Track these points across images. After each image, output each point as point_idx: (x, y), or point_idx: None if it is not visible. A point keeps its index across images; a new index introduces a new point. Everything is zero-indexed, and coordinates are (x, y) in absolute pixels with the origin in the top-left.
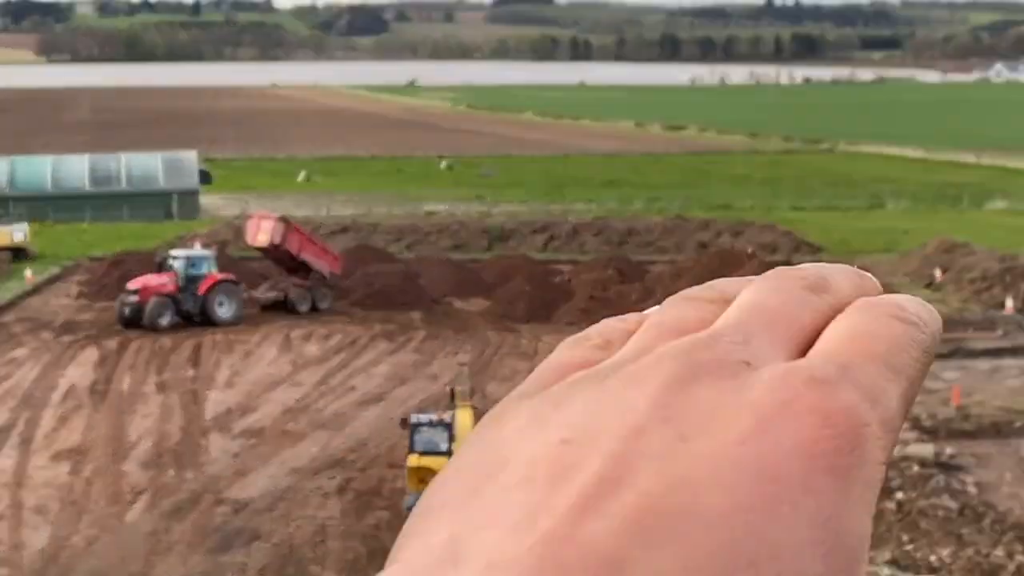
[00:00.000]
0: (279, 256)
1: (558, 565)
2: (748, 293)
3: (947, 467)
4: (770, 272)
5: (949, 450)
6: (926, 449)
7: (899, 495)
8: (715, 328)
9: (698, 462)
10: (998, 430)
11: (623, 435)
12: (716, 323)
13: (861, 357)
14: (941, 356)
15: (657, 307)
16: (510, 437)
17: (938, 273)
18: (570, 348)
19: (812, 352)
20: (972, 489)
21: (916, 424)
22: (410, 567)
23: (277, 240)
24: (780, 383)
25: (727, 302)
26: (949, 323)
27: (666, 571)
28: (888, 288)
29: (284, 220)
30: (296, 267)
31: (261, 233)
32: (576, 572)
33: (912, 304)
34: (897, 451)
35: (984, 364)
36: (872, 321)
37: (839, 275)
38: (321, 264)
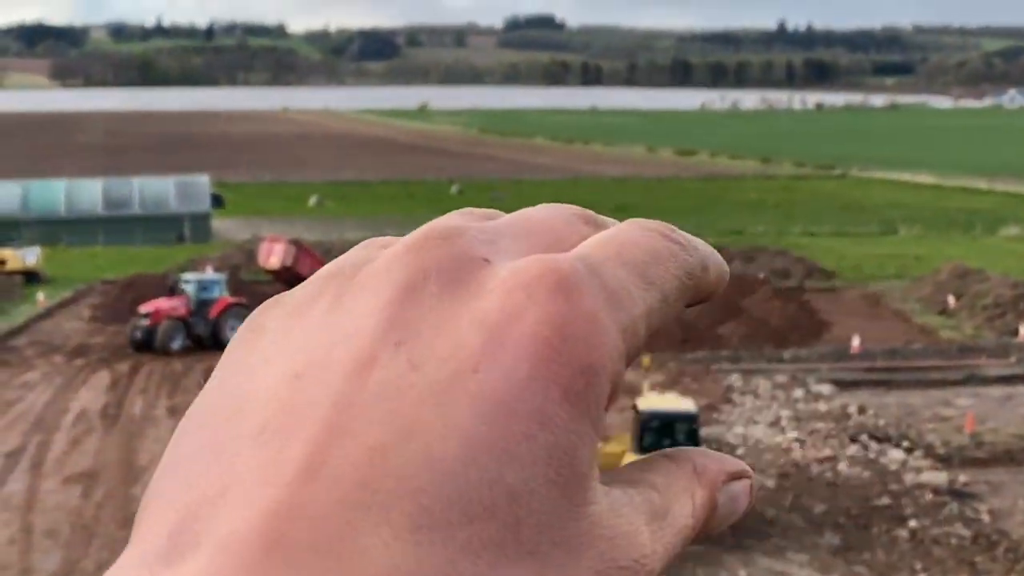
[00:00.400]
0: (290, 279)
1: (286, 550)
2: (518, 212)
3: (960, 495)
4: (548, 205)
5: (963, 478)
6: (939, 477)
7: (912, 523)
8: (465, 225)
9: (429, 400)
10: (1012, 457)
11: (351, 368)
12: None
13: (613, 260)
14: (954, 383)
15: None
16: (255, 365)
17: (951, 299)
18: (361, 248)
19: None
20: (986, 517)
21: (929, 452)
22: (140, 554)
23: (289, 262)
24: (516, 284)
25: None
26: (962, 350)
27: (397, 538)
28: (900, 314)
29: (296, 243)
30: None
31: (273, 256)
32: (304, 556)
33: (684, 233)
34: (911, 478)
35: (997, 391)
36: (635, 231)
37: (625, 223)
38: None
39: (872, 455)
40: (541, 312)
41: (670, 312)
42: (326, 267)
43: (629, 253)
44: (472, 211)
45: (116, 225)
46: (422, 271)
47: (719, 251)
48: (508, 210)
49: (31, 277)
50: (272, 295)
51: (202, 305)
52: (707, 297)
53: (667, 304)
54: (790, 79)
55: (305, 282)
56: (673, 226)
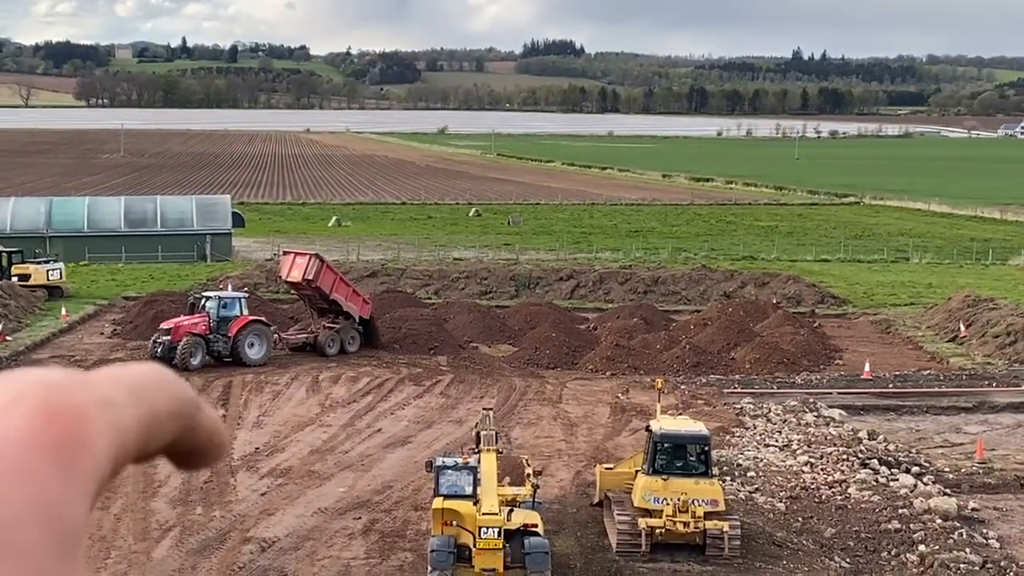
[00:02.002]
0: (311, 294)
1: None
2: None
3: (970, 521)
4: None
5: (972, 504)
6: (949, 503)
7: (921, 548)
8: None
9: None
10: (1021, 484)
11: None
12: None
13: (105, 380)
14: (965, 410)
15: None
16: None
17: (962, 327)
18: None
19: None
20: (995, 543)
21: (939, 477)
22: None
23: (310, 276)
24: (16, 382)
25: None
26: (973, 377)
27: None
28: (912, 341)
29: (319, 257)
30: (326, 308)
31: (295, 269)
32: None
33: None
34: (920, 504)
35: (1008, 419)
36: (132, 367)
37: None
38: (351, 306)
39: (882, 480)
40: (37, 399)
41: (162, 430)
42: None
43: (118, 378)
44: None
45: (138, 242)
46: None
47: (732, 275)
48: (527, 232)
49: (54, 292)
50: (291, 314)
51: (222, 323)
52: (200, 440)
53: (157, 420)
54: (805, 107)
55: None
56: (169, 371)
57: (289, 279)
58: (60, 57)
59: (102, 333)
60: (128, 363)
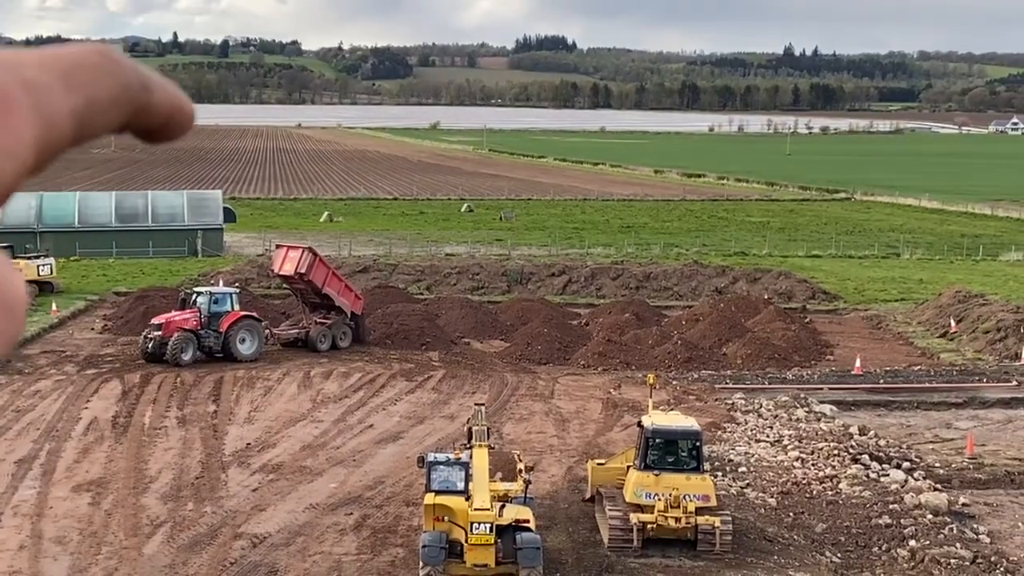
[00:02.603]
0: (303, 288)
1: None
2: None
3: (960, 516)
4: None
5: (962, 499)
6: (940, 498)
7: (912, 543)
8: None
9: None
10: (1011, 480)
11: None
12: None
13: (35, 65)
14: (956, 405)
15: None
16: None
17: (953, 323)
18: None
19: None
20: (985, 538)
21: (930, 473)
22: None
23: (303, 270)
24: None
25: None
26: (964, 373)
27: None
28: (902, 337)
29: (312, 251)
30: (318, 302)
31: (288, 262)
32: None
33: (128, 58)
34: (911, 499)
35: (998, 414)
36: (70, 48)
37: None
38: (343, 301)
39: (873, 475)
40: None
41: (102, 118)
42: None
43: (53, 63)
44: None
45: (129, 237)
46: None
47: (724, 271)
48: (519, 228)
49: (44, 287)
50: (283, 310)
51: (213, 318)
52: (156, 121)
53: (95, 108)
54: (796, 103)
55: None
56: (117, 50)
57: (282, 272)
58: None
59: (93, 329)
60: (69, 45)
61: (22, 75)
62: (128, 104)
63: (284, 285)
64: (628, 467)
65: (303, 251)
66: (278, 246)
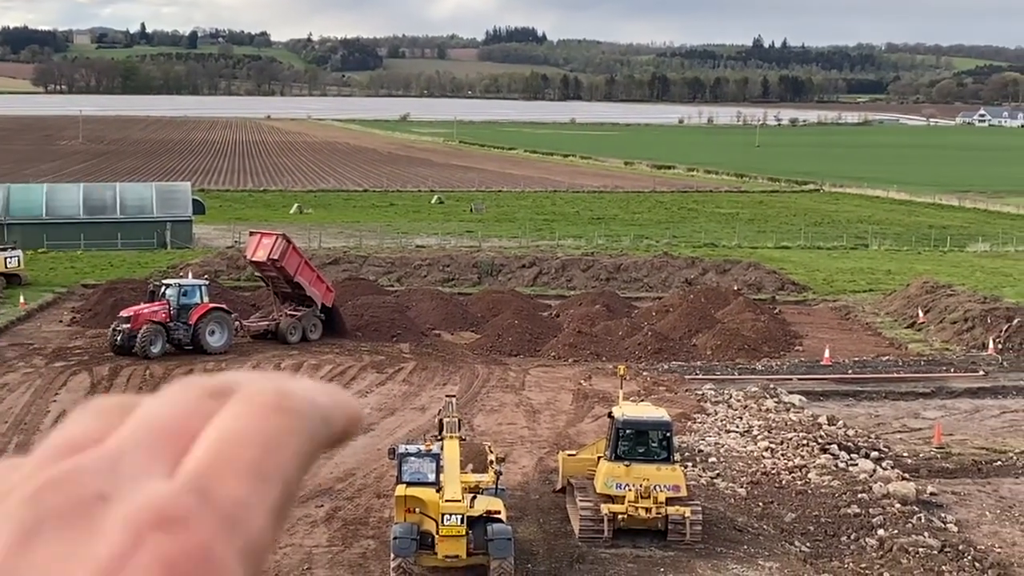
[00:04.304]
0: (274, 275)
1: None
2: (147, 405)
3: (928, 505)
4: (179, 382)
5: (930, 488)
6: (908, 487)
7: (880, 532)
8: (88, 454)
9: None
10: (979, 469)
11: None
12: (104, 441)
13: (225, 471)
14: (923, 395)
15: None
16: None
17: (920, 313)
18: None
19: (181, 467)
20: (953, 527)
21: (898, 462)
22: None
23: (276, 256)
24: (127, 528)
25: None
26: (932, 363)
27: None
28: (871, 327)
29: (286, 238)
30: (289, 292)
31: (261, 248)
32: None
33: (301, 388)
34: (879, 489)
35: (965, 404)
36: (246, 418)
37: (254, 379)
38: (314, 292)
39: (841, 465)
40: (149, 556)
41: (297, 489)
42: None
43: (241, 454)
44: (105, 408)
45: (97, 229)
46: (37, 520)
47: (693, 262)
48: (489, 220)
49: (12, 280)
50: (253, 301)
51: (182, 310)
52: (335, 442)
53: (291, 486)
54: (765, 95)
55: None
56: (288, 389)
57: (254, 258)
58: (17, 43)
59: (61, 321)
60: (238, 400)
61: (217, 507)
62: (315, 455)
63: (256, 273)
64: (599, 458)
65: (277, 237)
66: (252, 233)
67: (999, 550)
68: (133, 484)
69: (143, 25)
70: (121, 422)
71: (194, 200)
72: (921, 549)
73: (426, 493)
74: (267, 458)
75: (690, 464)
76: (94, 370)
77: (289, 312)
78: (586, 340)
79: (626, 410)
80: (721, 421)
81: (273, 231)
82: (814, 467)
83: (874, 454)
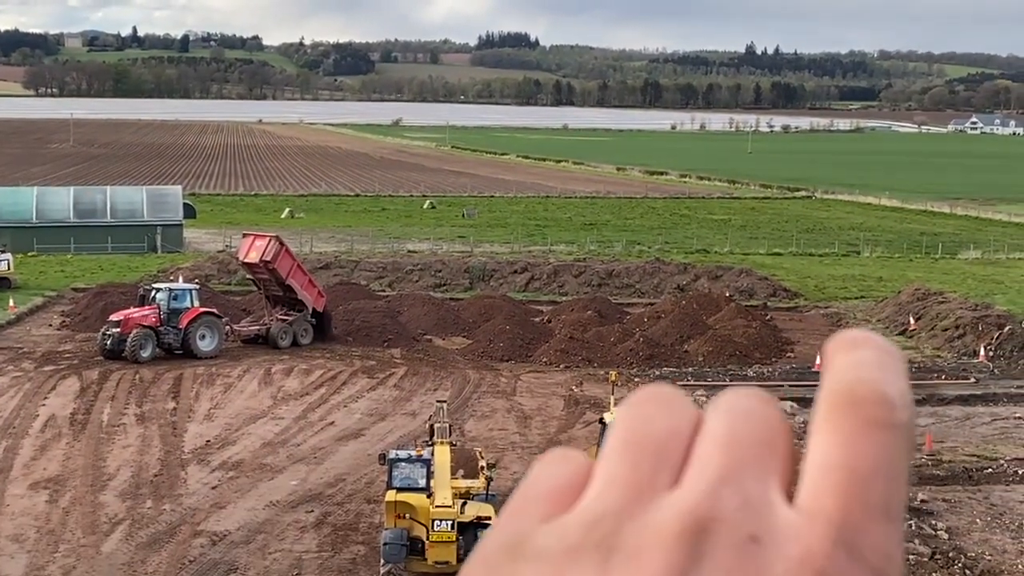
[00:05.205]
0: (266, 278)
1: None
2: (721, 414)
3: (919, 512)
4: (732, 394)
5: (921, 495)
6: None
7: None
8: (706, 485)
9: None
10: (969, 476)
11: None
12: (700, 466)
13: (859, 514)
14: (915, 402)
15: (627, 416)
16: None
17: (912, 320)
18: (559, 464)
19: (806, 508)
20: (943, 534)
21: None
22: None
23: (268, 258)
24: None
25: (693, 423)
26: (923, 370)
27: None
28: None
29: (279, 240)
30: (281, 296)
31: (253, 250)
32: None
33: (897, 391)
34: None
35: (956, 411)
36: (859, 447)
37: (844, 382)
38: (306, 295)
39: None
40: None
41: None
42: (582, 520)
43: (868, 491)
44: (663, 400)
45: (87, 233)
46: (694, 559)
47: (685, 268)
48: (481, 225)
49: (1, 283)
50: (243, 306)
51: (173, 314)
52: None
53: (903, 517)
54: (758, 101)
55: (547, 530)
56: (888, 392)
57: (247, 260)
58: (8, 46)
59: (51, 325)
60: (854, 430)
61: (864, 558)
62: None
63: (248, 276)
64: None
65: (270, 239)
66: (245, 235)
67: (989, 557)
68: (773, 522)
69: (135, 28)
70: (689, 421)
71: (185, 204)
72: (912, 556)
73: (416, 499)
74: (892, 492)
75: None
76: (84, 374)
77: (280, 317)
78: (578, 346)
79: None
80: None
81: (266, 233)
82: None
83: None
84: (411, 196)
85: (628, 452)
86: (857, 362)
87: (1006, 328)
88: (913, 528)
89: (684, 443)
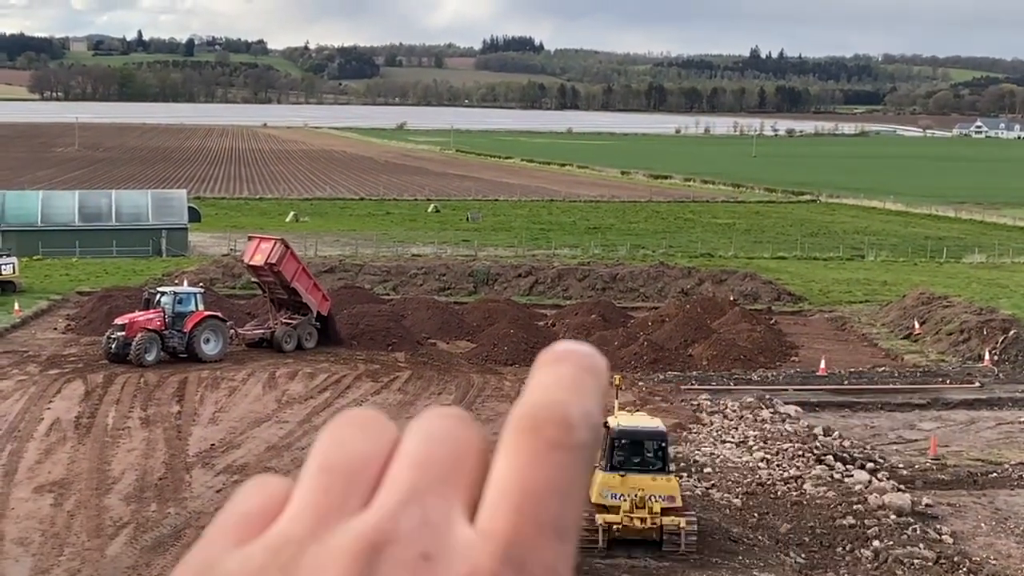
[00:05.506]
0: (271, 281)
1: None
2: (415, 434)
3: (923, 516)
4: (428, 415)
5: (926, 500)
6: (903, 499)
7: (876, 544)
8: (389, 506)
9: None
10: (974, 480)
11: None
12: (389, 488)
13: (531, 532)
14: (919, 406)
15: (326, 449)
16: None
17: (916, 325)
18: (256, 490)
19: (481, 527)
20: (948, 539)
21: (893, 473)
22: None
23: (273, 260)
24: None
25: (390, 445)
26: (927, 374)
27: None
28: (867, 338)
29: (284, 243)
30: (285, 299)
31: (258, 253)
32: None
33: (579, 412)
34: (874, 500)
35: (961, 415)
36: (536, 469)
37: (529, 402)
38: (311, 299)
39: (837, 476)
40: None
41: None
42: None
43: (541, 510)
44: (364, 424)
45: (92, 237)
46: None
47: (690, 272)
48: (485, 229)
49: (6, 287)
50: (248, 310)
51: (177, 318)
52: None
53: (579, 528)
54: (762, 105)
55: (235, 556)
56: (568, 416)
57: (252, 263)
58: (14, 50)
59: (56, 328)
60: (532, 453)
61: (530, 573)
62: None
63: (253, 279)
64: (593, 468)
65: (275, 242)
66: (250, 237)
67: (994, 562)
68: (447, 541)
69: (140, 32)
70: (385, 444)
71: (190, 208)
72: (916, 561)
73: None
74: (565, 511)
75: (685, 474)
76: (88, 378)
77: (284, 320)
78: None
79: (621, 420)
80: (717, 431)
81: (271, 236)
82: (809, 478)
83: (869, 465)
84: (415, 200)
85: (321, 477)
86: (549, 382)
87: (1011, 332)
88: (918, 532)
89: (378, 466)
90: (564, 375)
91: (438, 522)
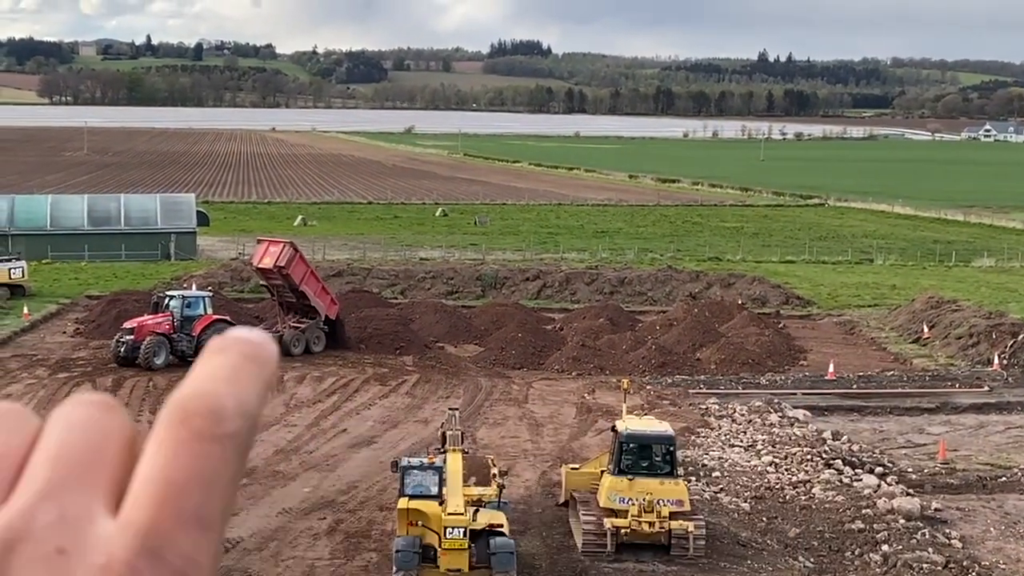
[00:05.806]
0: (280, 284)
1: None
2: (54, 425)
3: (933, 521)
4: (69, 404)
5: (935, 504)
6: (912, 503)
7: (885, 548)
8: (25, 502)
9: None
10: (983, 485)
11: None
12: (26, 483)
13: (171, 523)
14: (928, 410)
15: None
16: None
17: (925, 329)
18: None
19: (122, 518)
20: (957, 543)
21: (902, 478)
22: None
23: (282, 263)
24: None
25: (30, 438)
26: (936, 378)
27: None
28: (875, 342)
29: (293, 246)
30: (294, 302)
31: (267, 256)
32: None
33: (233, 402)
34: (883, 504)
35: (970, 419)
36: (180, 460)
37: (178, 393)
38: (319, 302)
39: (846, 480)
40: None
41: (229, 517)
42: None
43: (183, 502)
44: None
45: (101, 241)
46: None
47: (698, 276)
48: (493, 232)
49: (16, 290)
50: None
51: (186, 321)
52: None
53: (227, 518)
54: (770, 109)
55: None
56: (219, 408)
57: (261, 265)
58: (23, 54)
59: (65, 332)
60: (178, 445)
61: (167, 563)
62: (245, 462)
63: (261, 282)
64: (602, 472)
65: (284, 245)
66: (259, 240)
67: (1003, 566)
68: (85, 535)
69: (148, 37)
70: (25, 436)
71: (198, 212)
72: (925, 565)
73: (429, 506)
74: (209, 501)
75: (694, 478)
76: (97, 381)
77: (293, 324)
78: (590, 353)
79: (629, 424)
80: (725, 435)
81: (280, 239)
82: (818, 482)
83: (878, 469)
84: (423, 204)
85: None
86: (206, 372)
87: (1020, 336)
88: (927, 537)
89: (18, 460)
90: (223, 364)
91: (77, 516)
